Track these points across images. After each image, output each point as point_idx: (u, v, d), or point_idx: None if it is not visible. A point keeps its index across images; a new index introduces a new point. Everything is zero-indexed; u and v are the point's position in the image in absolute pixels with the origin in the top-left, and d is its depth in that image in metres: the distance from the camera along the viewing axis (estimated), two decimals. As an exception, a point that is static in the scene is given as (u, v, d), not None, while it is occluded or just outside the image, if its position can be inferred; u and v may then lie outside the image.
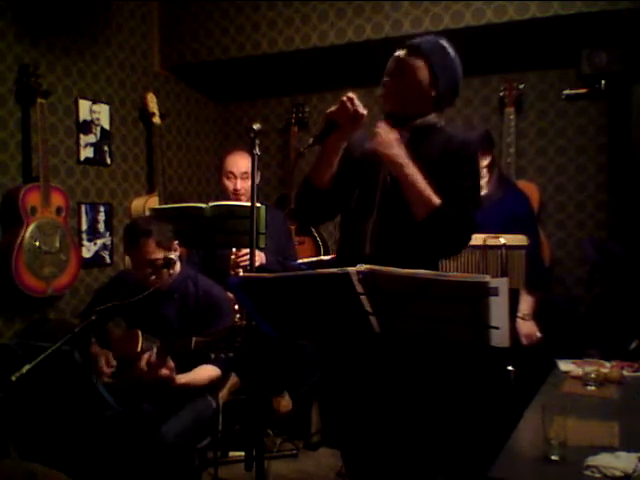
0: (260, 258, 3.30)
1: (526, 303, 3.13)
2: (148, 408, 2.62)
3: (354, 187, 2.09)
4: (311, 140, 2.01)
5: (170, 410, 2.61)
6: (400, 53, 2.07)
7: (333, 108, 1.99)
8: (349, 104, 1.97)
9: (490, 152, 3.13)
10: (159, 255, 2.65)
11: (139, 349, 2.61)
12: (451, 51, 2.10)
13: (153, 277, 2.65)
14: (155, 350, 2.51)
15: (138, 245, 2.65)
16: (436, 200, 1.93)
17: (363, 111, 1.97)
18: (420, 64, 2.04)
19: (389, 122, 2.03)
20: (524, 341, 3.09)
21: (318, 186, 2.09)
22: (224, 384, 2.96)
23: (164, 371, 2.49)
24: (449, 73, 2.06)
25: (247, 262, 3.28)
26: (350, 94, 1.99)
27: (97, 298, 2.98)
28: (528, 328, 3.10)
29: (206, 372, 2.66)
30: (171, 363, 2.50)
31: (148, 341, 2.63)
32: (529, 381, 2.46)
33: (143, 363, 2.49)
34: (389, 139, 1.96)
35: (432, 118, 2.08)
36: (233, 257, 3.30)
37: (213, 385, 2.76)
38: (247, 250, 3.28)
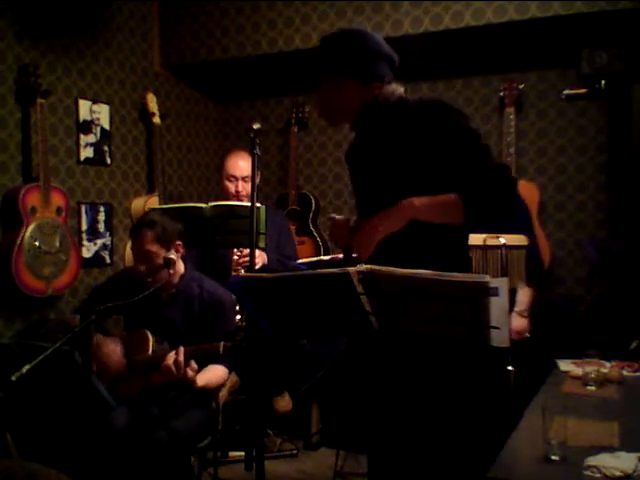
0: (262, 259, 3.30)
1: (524, 298, 3.14)
2: (151, 409, 2.63)
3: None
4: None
5: (171, 411, 2.61)
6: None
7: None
8: (339, 225, 1.97)
9: None
10: (154, 248, 2.66)
11: (150, 351, 2.61)
12: (334, 37, 2.02)
13: (151, 278, 2.65)
14: (182, 350, 2.51)
15: (138, 235, 2.69)
16: (454, 199, 1.81)
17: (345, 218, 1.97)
18: (324, 83, 2.01)
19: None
20: (512, 335, 3.07)
21: None
22: (224, 384, 2.97)
23: (190, 372, 2.50)
24: (347, 56, 1.97)
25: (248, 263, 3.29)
26: (331, 217, 2.02)
27: (95, 295, 2.98)
28: (521, 324, 3.11)
29: (218, 374, 2.67)
30: (195, 365, 2.52)
31: (158, 342, 2.64)
32: (529, 381, 2.46)
33: (170, 362, 2.48)
34: (366, 238, 1.87)
35: (376, 96, 2.00)
36: (236, 258, 3.29)
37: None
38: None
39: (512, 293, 3.08)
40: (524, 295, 3.14)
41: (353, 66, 1.97)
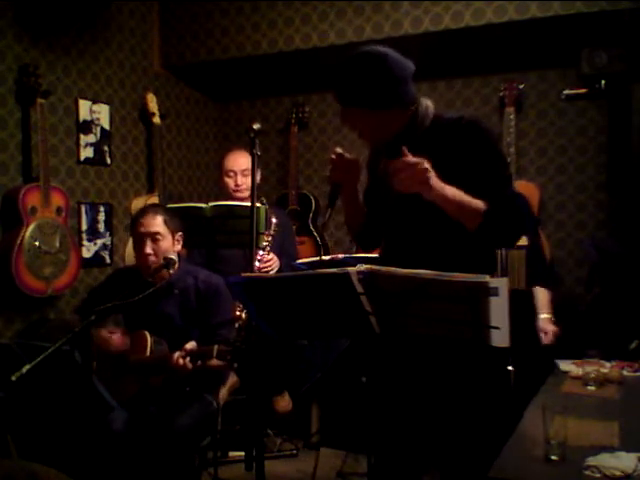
0: (277, 264, 3.32)
1: (545, 301, 3.24)
2: (152, 409, 2.63)
3: (387, 206, 2.08)
4: (328, 210, 2.07)
5: (171, 411, 2.61)
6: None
7: (329, 172, 2.08)
8: (338, 159, 2.03)
9: None
10: (162, 230, 2.71)
11: (148, 352, 2.62)
12: (357, 69, 1.91)
13: (149, 249, 2.68)
14: (187, 348, 2.54)
15: (148, 215, 2.73)
16: (481, 206, 1.83)
17: (354, 158, 1.99)
18: (353, 112, 1.96)
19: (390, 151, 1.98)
20: (549, 339, 3.18)
21: (356, 230, 2.24)
22: (224, 383, 2.97)
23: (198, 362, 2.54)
24: (379, 87, 1.91)
25: (270, 269, 3.30)
26: (336, 149, 2.07)
27: (94, 295, 2.98)
28: (554, 329, 3.21)
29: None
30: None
31: (156, 343, 2.64)
32: (529, 381, 2.46)
33: (180, 361, 2.51)
34: (411, 174, 1.81)
35: (413, 116, 1.99)
36: (258, 264, 3.25)
37: (220, 375, 2.81)
38: (271, 257, 3.30)
39: (523, 295, 3.13)
40: (543, 297, 3.23)
41: (388, 98, 1.92)
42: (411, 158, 1.80)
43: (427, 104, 2.01)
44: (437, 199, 1.82)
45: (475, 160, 1.89)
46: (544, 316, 3.21)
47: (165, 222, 2.74)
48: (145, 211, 2.79)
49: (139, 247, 2.74)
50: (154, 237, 2.70)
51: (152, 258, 2.69)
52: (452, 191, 1.82)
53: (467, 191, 1.84)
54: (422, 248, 1.95)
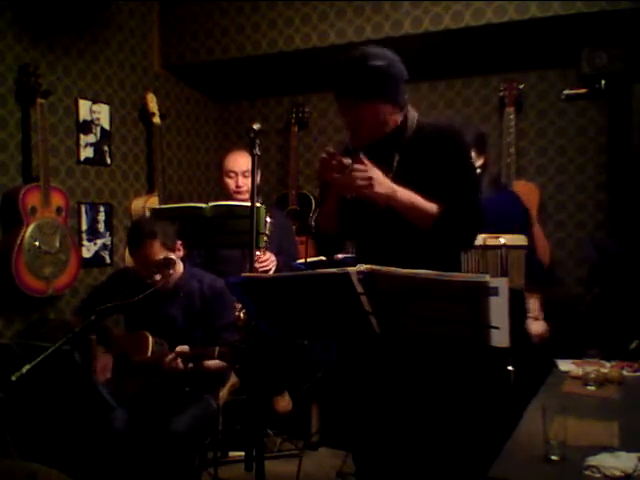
0: (274, 263, 3.31)
1: (534, 305, 3.13)
2: (152, 409, 2.63)
3: (358, 210, 2.11)
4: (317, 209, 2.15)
5: (171, 411, 2.61)
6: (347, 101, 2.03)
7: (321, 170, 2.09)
8: (330, 158, 2.04)
9: (484, 153, 3.11)
10: (164, 255, 2.66)
11: (150, 352, 2.62)
12: (377, 61, 1.98)
13: (158, 276, 2.65)
14: (177, 351, 2.57)
15: (143, 246, 2.67)
16: (433, 209, 1.93)
17: (346, 160, 2.00)
18: (372, 106, 2.00)
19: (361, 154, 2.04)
20: (535, 340, 3.09)
21: (328, 233, 2.25)
22: (224, 384, 2.97)
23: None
24: (391, 83, 1.99)
25: (267, 268, 3.30)
26: (328, 149, 2.07)
27: (95, 295, 2.99)
28: (539, 327, 3.10)
29: (212, 362, 2.69)
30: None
31: (157, 344, 2.65)
32: (529, 381, 2.46)
33: (176, 362, 2.53)
34: (366, 177, 1.91)
35: (403, 119, 2.06)
36: (257, 265, 3.25)
37: (221, 375, 2.82)
38: (268, 256, 3.30)
39: (517, 294, 3.09)
40: (533, 302, 3.13)
41: (396, 92, 2.00)
42: (359, 165, 1.92)
43: (413, 113, 2.09)
44: (389, 203, 1.93)
45: (448, 168, 1.99)
46: (530, 315, 3.12)
47: (164, 245, 2.68)
48: (141, 241, 2.67)
49: (143, 271, 2.72)
50: (157, 265, 2.67)
51: (148, 278, 2.68)
52: (404, 195, 1.93)
53: (435, 193, 1.95)
54: (390, 248, 2.00)
